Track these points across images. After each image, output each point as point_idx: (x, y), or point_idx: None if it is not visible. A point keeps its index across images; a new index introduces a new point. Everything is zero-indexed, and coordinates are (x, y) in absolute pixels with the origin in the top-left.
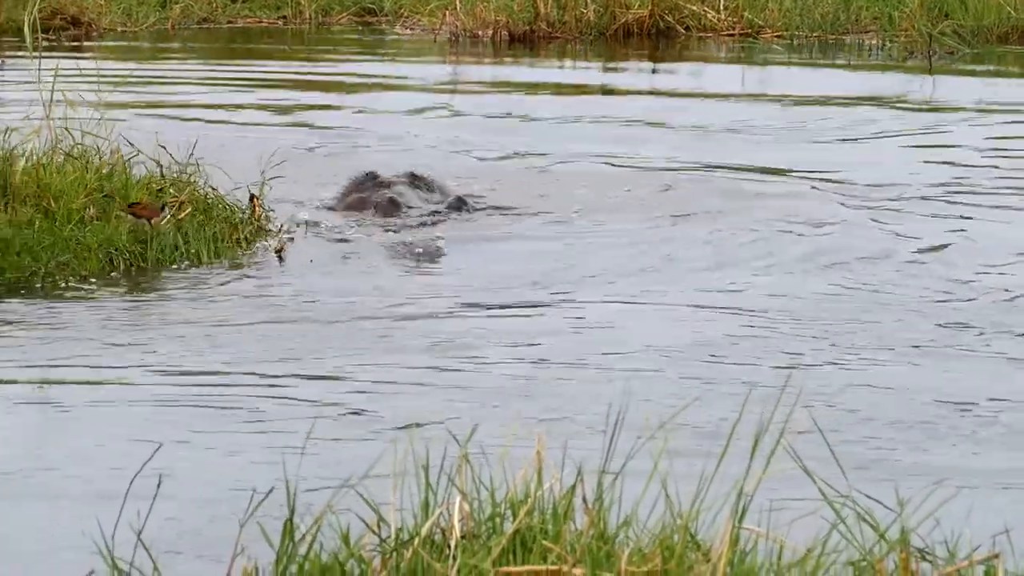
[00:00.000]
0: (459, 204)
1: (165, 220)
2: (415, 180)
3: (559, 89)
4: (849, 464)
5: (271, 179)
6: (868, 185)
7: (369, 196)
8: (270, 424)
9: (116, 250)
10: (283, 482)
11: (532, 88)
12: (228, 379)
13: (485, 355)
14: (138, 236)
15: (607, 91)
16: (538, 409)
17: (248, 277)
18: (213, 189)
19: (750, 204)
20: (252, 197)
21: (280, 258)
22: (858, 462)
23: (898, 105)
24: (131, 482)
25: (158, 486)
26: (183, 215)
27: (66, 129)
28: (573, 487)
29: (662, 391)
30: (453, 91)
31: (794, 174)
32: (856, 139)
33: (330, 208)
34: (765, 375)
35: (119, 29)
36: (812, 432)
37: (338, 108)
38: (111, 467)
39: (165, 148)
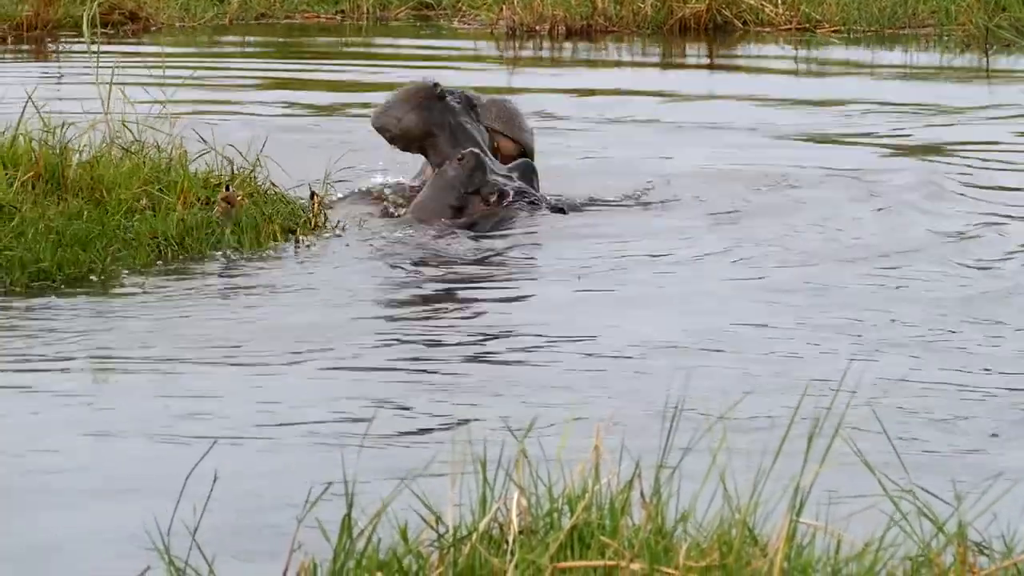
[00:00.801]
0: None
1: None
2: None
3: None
4: (906, 458)
5: (336, 173)
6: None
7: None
8: (326, 418)
9: (165, 240)
10: (340, 477)
11: (601, 91)
12: (280, 372)
13: (542, 348)
14: (226, 223)
15: (667, 94)
16: (596, 403)
17: (306, 270)
18: (273, 185)
19: (801, 199)
20: (313, 194)
21: (337, 247)
22: (915, 456)
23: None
24: (186, 478)
25: (213, 482)
26: (238, 210)
27: (123, 124)
28: (631, 482)
29: (720, 384)
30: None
31: (852, 170)
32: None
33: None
34: (822, 368)
35: (177, 24)
36: (870, 426)
37: None
38: (165, 462)
39: (234, 147)
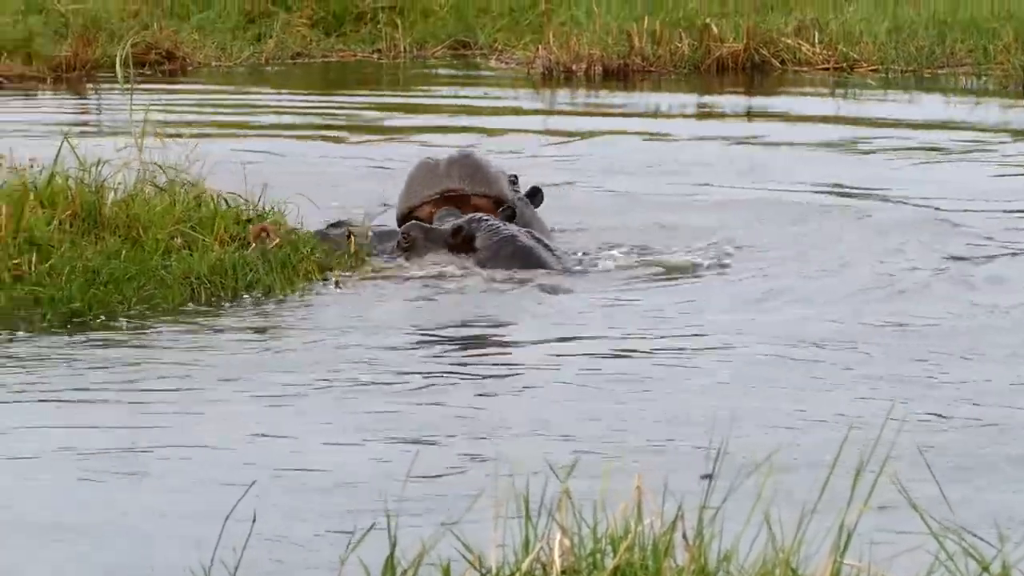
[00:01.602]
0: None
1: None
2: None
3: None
4: (951, 497)
5: (377, 214)
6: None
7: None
8: (366, 457)
9: (197, 279)
10: (383, 517)
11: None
12: (315, 410)
13: (583, 387)
14: (262, 256)
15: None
16: (639, 442)
17: (341, 309)
18: (299, 225)
19: (860, 230)
20: (349, 234)
21: (372, 286)
22: (960, 495)
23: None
24: (225, 519)
25: (252, 522)
26: (272, 247)
27: (157, 165)
28: (674, 522)
29: (763, 424)
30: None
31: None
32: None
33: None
34: (866, 408)
35: (213, 64)
36: (915, 466)
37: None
38: (202, 501)
39: (266, 186)
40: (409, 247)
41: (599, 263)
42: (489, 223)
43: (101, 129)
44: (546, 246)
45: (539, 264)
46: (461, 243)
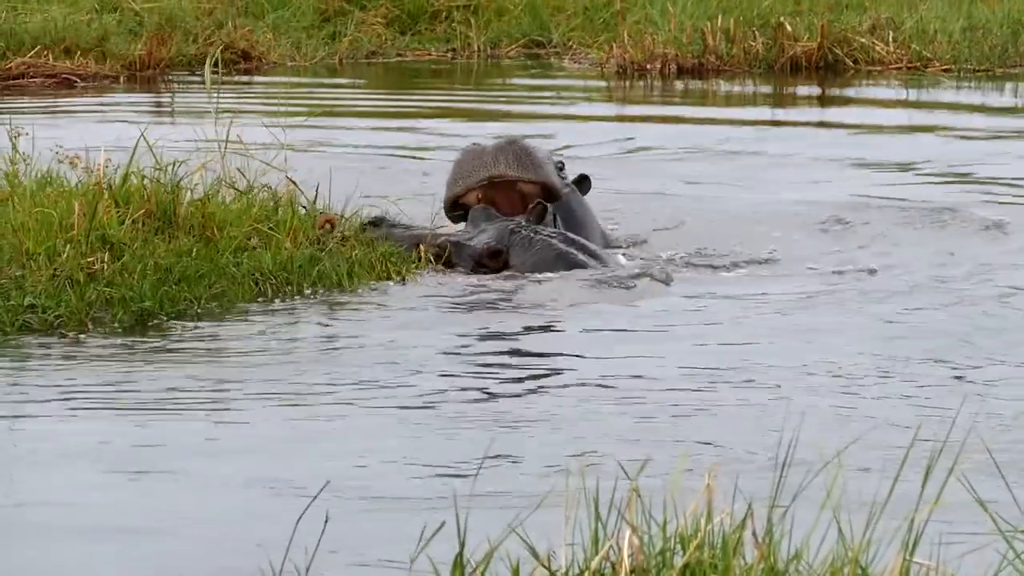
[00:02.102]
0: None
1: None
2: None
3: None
4: (1021, 496)
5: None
6: None
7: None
8: (436, 457)
9: (261, 275)
10: (452, 516)
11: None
12: (382, 410)
13: (652, 388)
14: (327, 241)
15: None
16: (708, 441)
17: (407, 311)
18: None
19: (918, 234)
20: (418, 242)
21: (439, 289)
22: None
23: None
24: (298, 520)
25: (325, 523)
26: (335, 240)
27: (238, 170)
28: (743, 521)
29: (832, 423)
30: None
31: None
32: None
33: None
34: (936, 407)
35: (288, 63)
36: (985, 465)
37: None
38: (273, 502)
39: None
40: (441, 260)
41: (645, 261)
42: (521, 235)
43: (177, 128)
44: (582, 246)
45: (577, 265)
46: (494, 260)
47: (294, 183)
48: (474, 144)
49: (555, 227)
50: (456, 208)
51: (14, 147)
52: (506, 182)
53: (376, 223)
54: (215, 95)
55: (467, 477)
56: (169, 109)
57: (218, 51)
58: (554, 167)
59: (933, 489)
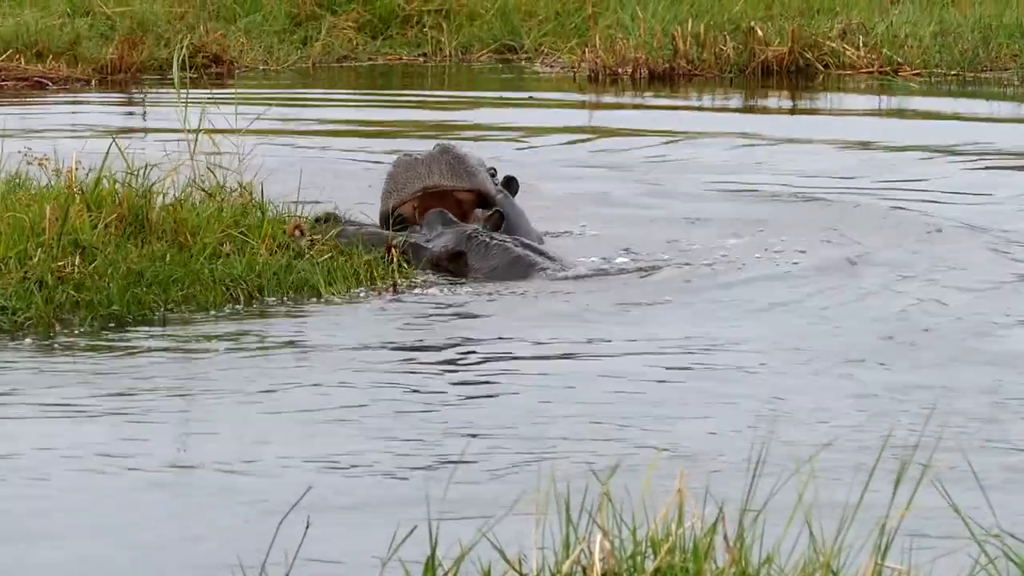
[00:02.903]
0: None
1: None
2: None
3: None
4: (994, 501)
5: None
6: None
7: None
8: (407, 460)
9: (232, 281)
10: (423, 518)
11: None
12: (354, 415)
13: (624, 390)
14: (296, 246)
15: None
16: (679, 445)
17: (380, 319)
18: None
19: (905, 235)
20: (390, 248)
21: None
22: (1002, 500)
23: None
24: (279, 525)
25: (306, 528)
26: (305, 244)
27: (208, 168)
28: (714, 525)
29: (804, 427)
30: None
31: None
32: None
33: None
34: (909, 413)
35: (260, 67)
36: (957, 469)
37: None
38: (250, 507)
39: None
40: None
41: (603, 265)
42: (477, 240)
43: (148, 132)
44: (535, 249)
45: (534, 267)
46: (454, 263)
47: (243, 187)
48: (406, 155)
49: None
50: (393, 220)
51: None
52: (441, 191)
53: (327, 219)
54: (183, 96)
55: (438, 482)
56: (140, 112)
57: (185, 51)
58: (486, 173)
59: (905, 493)
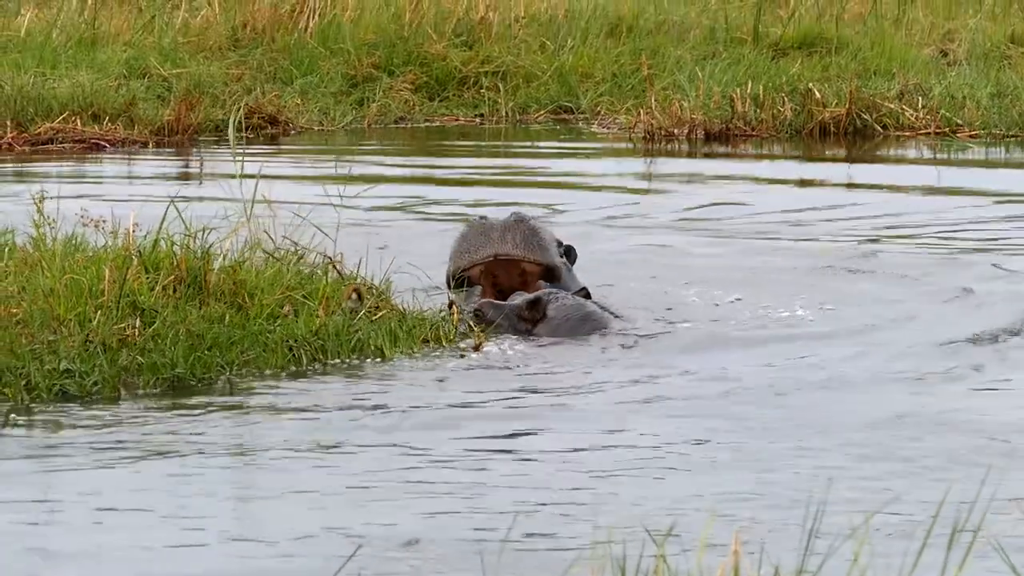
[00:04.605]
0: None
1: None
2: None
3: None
4: None
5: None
6: None
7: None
8: (463, 522)
9: (296, 342)
10: None
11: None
12: (412, 475)
13: (674, 453)
14: (355, 312)
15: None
16: (734, 505)
17: (438, 381)
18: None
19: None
20: (451, 304)
21: (478, 351)
22: None
23: None
24: None
25: None
26: (377, 316)
27: (265, 232)
28: None
29: (859, 487)
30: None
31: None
32: None
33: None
34: (964, 473)
35: (315, 128)
36: (1013, 528)
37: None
38: (310, 566)
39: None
40: (482, 323)
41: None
42: (556, 294)
43: (205, 194)
44: (607, 310)
45: (603, 322)
46: (532, 310)
47: (331, 259)
48: (482, 219)
49: None
50: (456, 281)
51: (39, 210)
52: (511, 260)
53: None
54: (239, 157)
55: (492, 545)
56: (197, 173)
57: (241, 111)
58: (556, 248)
59: (959, 554)
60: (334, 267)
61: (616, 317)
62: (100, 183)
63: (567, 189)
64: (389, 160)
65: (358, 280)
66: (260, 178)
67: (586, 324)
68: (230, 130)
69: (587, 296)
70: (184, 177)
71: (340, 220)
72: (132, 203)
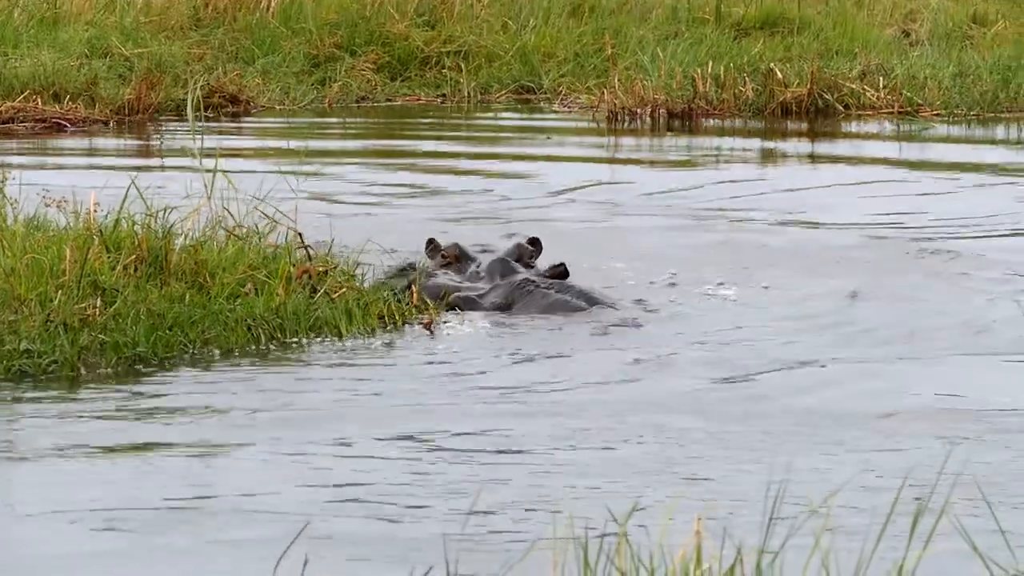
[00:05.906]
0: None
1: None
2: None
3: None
4: (1012, 540)
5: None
6: None
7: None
8: (425, 500)
9: (254, 321)
10: (441, 559)
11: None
12: (376, 452)
13: (642, 432)
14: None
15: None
16: (697, 486)
17: (398, 357)
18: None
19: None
20: (410, 285)
21: (431, 333)
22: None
23: None
24: (278, 561)
25: (305, 565)
26: (337, 295)
27: (225, 209)
28: (732, 567)
29: (821, 468)
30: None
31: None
32: None
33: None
34: (927, 452)
35: (277, 107)
36: (976, 508)
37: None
38: (266, 534)
39: (332, 239)
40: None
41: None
42: (525, 290)
43: (165, 174)
44: (583, 294)
45: (570, 310)
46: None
47: (300, 236)
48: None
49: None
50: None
51: (0, 191)
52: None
53: (405, 270)
54: (199, 136)
55: (455, 523)
56: (158, 152)
57: (199, 89)
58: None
59: (924, 533)
60: (302, 243)
61: (589, 301)
62: (61, 162)
63: (532, 163)
64: (350, 143)
65: (311, 263)
66: (219, 156)
67: (551, 311)
68: (189, 108)
69: (565, 272)
70: (145, 155)
71: (298, 199)
72: (93, 182)
